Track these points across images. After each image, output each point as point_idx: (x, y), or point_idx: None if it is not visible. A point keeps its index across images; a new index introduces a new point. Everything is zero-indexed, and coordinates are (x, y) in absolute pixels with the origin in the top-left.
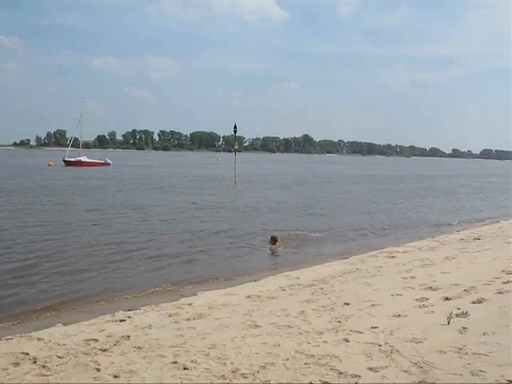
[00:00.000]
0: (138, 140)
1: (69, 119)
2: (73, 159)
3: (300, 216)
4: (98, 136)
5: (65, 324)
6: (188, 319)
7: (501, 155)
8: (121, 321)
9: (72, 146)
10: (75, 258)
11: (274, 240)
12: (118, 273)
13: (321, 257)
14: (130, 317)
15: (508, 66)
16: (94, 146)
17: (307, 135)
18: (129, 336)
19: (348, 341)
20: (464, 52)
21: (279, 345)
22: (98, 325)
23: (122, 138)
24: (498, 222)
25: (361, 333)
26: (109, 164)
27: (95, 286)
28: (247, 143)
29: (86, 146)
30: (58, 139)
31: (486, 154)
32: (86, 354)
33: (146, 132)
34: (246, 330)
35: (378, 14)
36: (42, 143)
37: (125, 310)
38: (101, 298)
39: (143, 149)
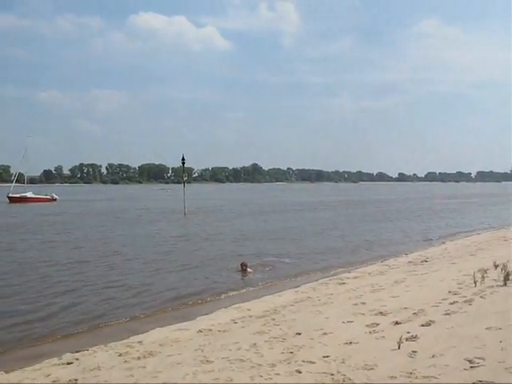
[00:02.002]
0: (85, 174)
1: (13, 154)
2: (18, 195)
3: (257, 244)
4: (45, 171)
5: (7, 371)
6: (138, 358)
7: (444, 177)
8: (68, 363)
9: (17, 181)
10: (20, 298)
11: (244, 266)
12: (67, 310)
13: (289, 282)
14: (77, 359)
15: (448, 92)
16: (40, 181)
17: (256, 164)
18: (76, 379)
19: (300, 372)
20: (406, 78)
21: (231, 380)
22: (43, 369)
23: (69, 173)
24: (443, 243)
25: (313, 363)
26: (55, 199)
27: (41, 326)
28: (196, 174)
29: (32, 181)
30: (1, 175)
31: (431, 177)
32: None
33: (93, 165)
34: (198, 366)
35: (321, 44)
36: None
37: (72, 352)
38: (47, 340)
39: (91, 183)
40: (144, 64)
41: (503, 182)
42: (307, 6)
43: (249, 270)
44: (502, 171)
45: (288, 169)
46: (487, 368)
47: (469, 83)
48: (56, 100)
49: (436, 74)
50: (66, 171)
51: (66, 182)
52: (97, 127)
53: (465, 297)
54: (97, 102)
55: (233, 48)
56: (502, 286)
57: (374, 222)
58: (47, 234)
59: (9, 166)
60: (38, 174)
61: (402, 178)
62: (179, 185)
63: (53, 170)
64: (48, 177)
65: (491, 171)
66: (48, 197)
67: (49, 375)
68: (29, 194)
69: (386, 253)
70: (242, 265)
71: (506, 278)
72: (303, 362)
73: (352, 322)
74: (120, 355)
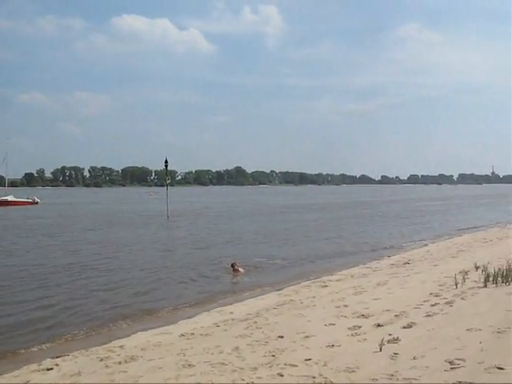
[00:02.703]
0: (67, 177)
1: None
2: None
3: (242, 248)
4: (26, 174)
5: None
6: (120, 362)
7: (426, 180)
8: (48, 369)
9: None
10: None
11: (235, 266)
12: (47, 315)
13: (276, 284)
14: (57, 364)
15: (430, 95)
16: (22, 184)
17: (239, 167)
18: None
19: (282, 375)
20: (389, 82)
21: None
22: (22, 376)
23: (51, 176)
24: (425, 245)
25: (295, 366)
26: (37, 203)
27: (21, 331)
28: (180, 177)
29: (13, 184)
30: None
31: (413, 179)
32: None
33: (76, 168)
34: (180, 370)
35: (304, 47)
36: None
37: (53, 358)
38: (27, 345)
39: (73, 186)
40: (127, 66)
41: (484, 184)
42: (290, 9)
43: (240, 269)
44: (483, 174)
45: (271, 171)
46: (467, 369)
47: (451, 87)
48: (38, 102)
49: (418, 78)
50: (48, 174)
51: (48, 185)
52: (79, 129)
53: (446, 298)
54: (79, 104)
55: (216, 50)
56: (483, 287)
57: (361, 224)
58: (28, 239)
59: None
60: (20, 177)
61: (384, 180)
62: (163, 188)
63: (35, 172)
64: (30, 180)
65: (472, 174)
66: (29, 200)
67: (28, 382)
68: (10, 198)
69: (370, 255)
70: (232, 265)
71: (487, 280)
72: (285, 365)
73: (334, 324)
74: (101, 360)
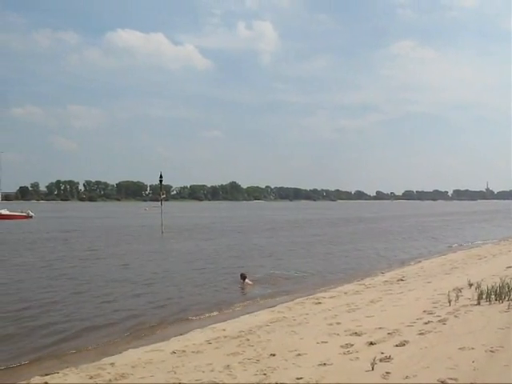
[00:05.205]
0: (62, 191)
1: None
2: None
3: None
4: (21, 187)
5: None
6: (110, 380)
7: (421, 196)
8: None
9: None
10: None
11: (243, 277)
12: (38, 331)
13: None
14: (46, 382)
15: (424, 111)
16: (16, 198)
17: (234, 182)
18: None
19: None
20: (383, 98)
21: None
22: None
23: (45, 189)
24: (419, 262)
25: None
26: (31, 217)
27: (10, 348)
28: (175, 192)
29: (7, 198)
30: None
31: (408, 195)
32: None
33: (70, 182)
34: None
35: (299, 63)
36: None
37: (41, 375)
38: (15, 362)
39: (68, 200)
40: (121, 81)
41: (479, 200)
42: (285, 26)
43: (249, 282)
44: (478, 190)
45: (266, 187)
46: None
47: (444, 103)
48: (31, 116)
49: (412, 95)
50: (42, 188)
51: (42, 199)
52: (74, 143)
53: (439, 316)
54: (73, 119)
55: (211, 66)
56: (476, 304)
57: (364, 240)
58: (17, 253)
59: None
60: (14, 191)
61: (379, 196)
62: (157, 202)
63: (29, 186)
64: (24, 193)
65: (467, 190)
66: (23, 214)
67: None
68: (3, 211)
69: (367, 271)
70: (242, 276)
71: (480, 297)
72: None
73: (327, 342)
74: (91, 378)
